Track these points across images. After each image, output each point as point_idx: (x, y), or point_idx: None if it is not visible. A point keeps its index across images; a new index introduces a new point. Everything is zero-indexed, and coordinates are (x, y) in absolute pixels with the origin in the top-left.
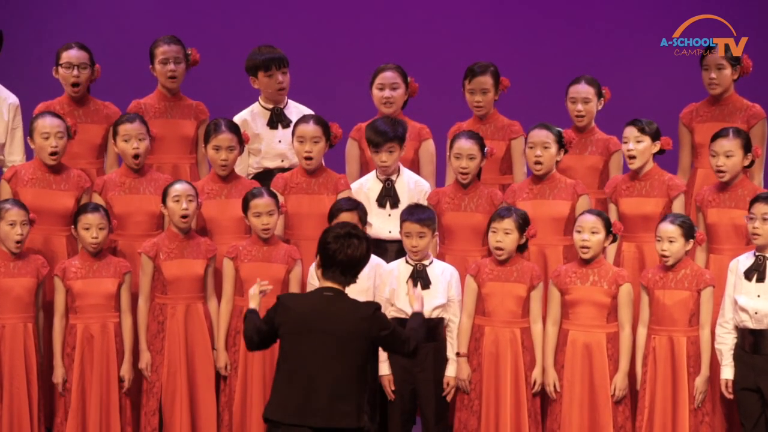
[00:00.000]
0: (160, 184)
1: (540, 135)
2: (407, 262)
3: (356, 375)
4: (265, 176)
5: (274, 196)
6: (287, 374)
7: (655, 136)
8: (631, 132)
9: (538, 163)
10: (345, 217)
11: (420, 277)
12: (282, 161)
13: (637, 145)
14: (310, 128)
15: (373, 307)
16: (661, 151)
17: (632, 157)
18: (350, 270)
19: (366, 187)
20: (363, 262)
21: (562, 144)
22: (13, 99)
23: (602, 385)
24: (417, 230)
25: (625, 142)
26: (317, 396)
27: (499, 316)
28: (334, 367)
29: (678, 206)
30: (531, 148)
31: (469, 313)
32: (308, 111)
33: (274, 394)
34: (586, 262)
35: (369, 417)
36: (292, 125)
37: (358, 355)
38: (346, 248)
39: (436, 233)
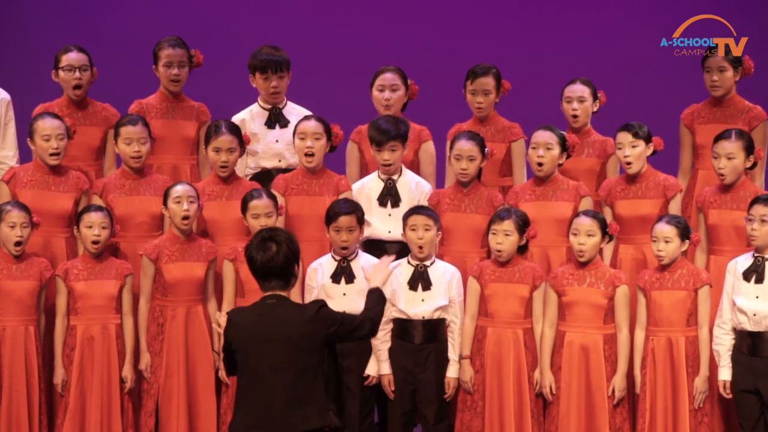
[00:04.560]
0: (160, 186)
1: (543, 136)
2: (409, 262)
3: (312, 376)
4: (263, 177)
5: (273, 197)
6: (244, 388)
7: (648, 139)
8: (625, 137)
9: (540, 164)
10: (343, 220)
11: (421, 278)
12: (279, 161)
13: (633, 150)
14: (312, 125)
15: (317, 306)
16: (653, 152)
17: (629, 163)
18: (273, 275)
19: (368, 187)
20: (284, 268)
21: (565, 147)
22: (4, 94)
23: (599, 386)
24: (423, 222)
25: (620, 148)
26: (275, 405)
27: (501, 317)
28: (287, 373)
29: (675, 207)
30: (534, 148)
31: (472, 315)
32: (307, 112)
33: (235, 408)
34: (582, 264)
35: (335, 412)
36: (290, 126)
37: (311, 356)
38: (260, 252)
39: (440, 233)
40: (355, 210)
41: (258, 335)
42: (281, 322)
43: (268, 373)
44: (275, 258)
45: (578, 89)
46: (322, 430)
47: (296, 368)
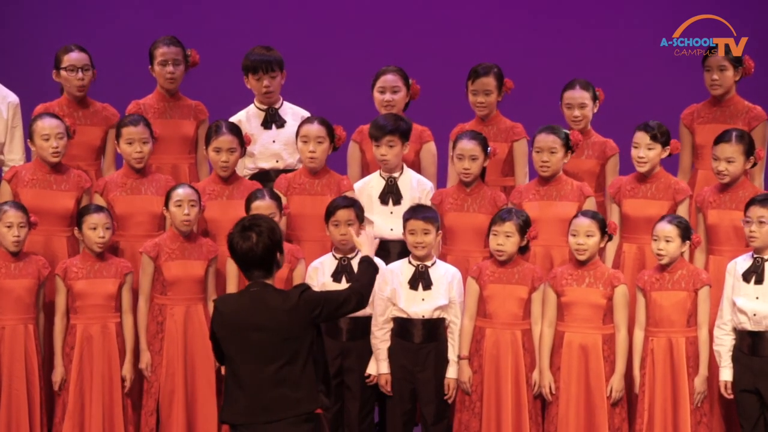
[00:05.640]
0: (162, 185)
1: (547, 140)
2: (410, 262)
3: (301, 360)
4: (261, 177)
5: (276, 198)
6: (231, 376)
7: (665, 143)
8: (642, 138)
9: (544, 167)
10: (341, 214)
11: (422, 278)
12: (277, 161)
13: (648, 152)
14: (315, 128)
15: (299, 292)
16: (669, 155)
17: (642, 164)
18: (254, 265)
19: (369, 186)
20: (264, 258)
21: (569, 146)
22: (12, 97)
23: (598, 386)
24: (421, 227)
25: (636, 147)
26: (265, 392)
27: (500, 318)
28: (276, 360)
29: (683, 210)
30: (538, 152)
31: (470, 315)
32: (303, 112)
33: (225, 396)
34: (581, 264)
35: (325, 394)
36: (286, 126)
37: (299, 342)
38: (240, 241)
39: (440, 233)
40: (353, 204)
41: (242, 324)
42: (266, 311)
43: (256, 360)
44: (254, 249)
45: (578, 96)
46: (314, 412)
47: (285, 355)
